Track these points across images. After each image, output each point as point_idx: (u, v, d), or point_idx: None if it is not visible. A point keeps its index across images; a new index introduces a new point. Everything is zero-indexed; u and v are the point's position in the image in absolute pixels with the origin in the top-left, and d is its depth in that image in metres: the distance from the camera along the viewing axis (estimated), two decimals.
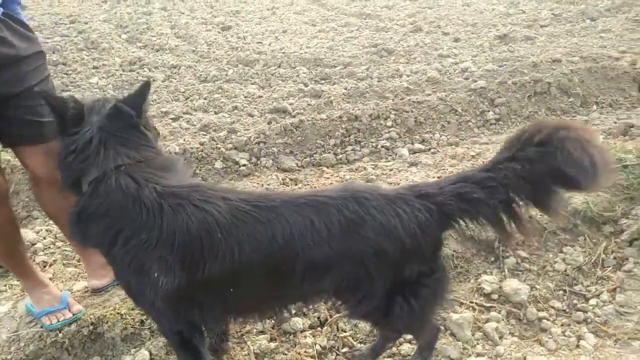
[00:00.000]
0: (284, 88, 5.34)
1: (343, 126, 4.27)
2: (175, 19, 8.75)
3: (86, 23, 8.09)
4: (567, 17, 7.46)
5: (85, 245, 1.63)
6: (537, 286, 2.47)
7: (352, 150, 4.13)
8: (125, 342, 2.17)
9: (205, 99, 5.06)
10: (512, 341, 2.21)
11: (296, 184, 3.63)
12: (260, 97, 5.13)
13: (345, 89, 5.11)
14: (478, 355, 2.13)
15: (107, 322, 2.18)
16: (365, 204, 1.54)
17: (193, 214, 1.45)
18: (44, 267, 2.66)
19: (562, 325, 2.28)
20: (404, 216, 1.54)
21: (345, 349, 2.19)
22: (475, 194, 1.55)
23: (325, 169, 3.89)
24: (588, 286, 2.48)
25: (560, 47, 5.90)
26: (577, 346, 2.15)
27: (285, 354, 2.15)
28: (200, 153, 3.88)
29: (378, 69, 5.79)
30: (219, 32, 7.96)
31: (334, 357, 2.16)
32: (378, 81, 5.35)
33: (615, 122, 4.16)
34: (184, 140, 4.10)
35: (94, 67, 5.93)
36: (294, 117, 4.51)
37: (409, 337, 2.17)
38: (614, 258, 2.61)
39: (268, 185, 3.52)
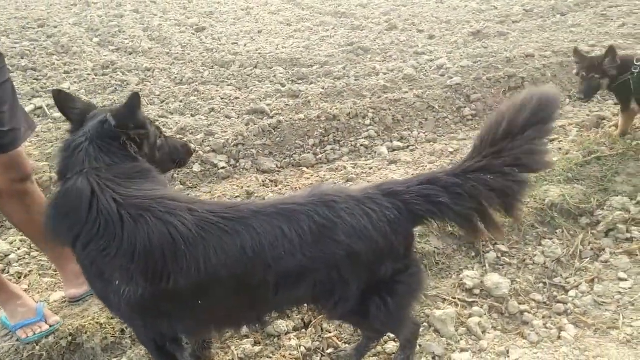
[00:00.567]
0: (261, 89, 5.29)
1: (322, 126, 4.26)
2: (148, 21, 8.60)
3: (55, 27, 7.89)
4: (539, 13, 7.60)
5: (54, 242, 1.59)
6: (518, 280, 2.51)
7: (331, 149, 4.13)
8: (106, 351, 2.12)
9: (181, 101, 4.98)
10: (495, 335, 2.23)
11: (276, 185, 3.60)
12: (237, 98, 5.08)
13: (323, 88, 5.10)
14: (462, 350, 2.15)
15: (86, 333, 2.13)
16: (335, 207, 1.53)
17: (155, 225, 1.42)
18: (19, 278, 2.57)
19: (543, 317, 2.32)
20: (373, 216, 1.54)
21: (330, 350, 2.18)
22: (441, 197, 1.58)
23: (305, 169, 3.87)
24: (567, 278, 2.53)
25: (533, 42, 6.01)
26: (559, 337, 2.19)
27: (270, 357, 2.13)
28: None
29: (355, 67, 5.79)
30: (193, 34, 7.86)
31: (319, 358, 2.15)
32: (355, 80, 5.35)
33: (587, 115, 4.25)
34: None
35: (65, 72, 5.78)
36: (272, 117, 4.47)
37: (393, 335, 2.17)
38: (591, 249, 2.67)
39: (248, 187, 3.48)
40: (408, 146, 4.17)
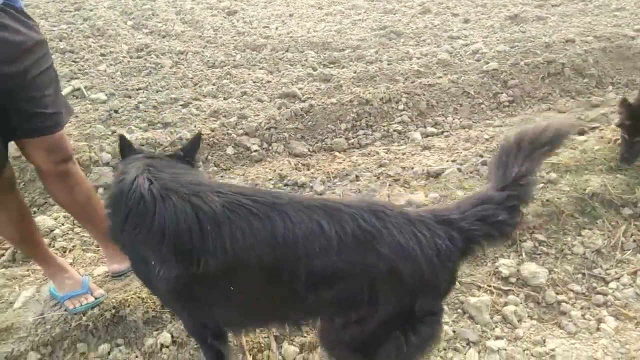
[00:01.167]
0: (292, 72, 5.29)
1: (354, 110, 4.24)
2: (180, 5, 8.64)
3: (91, 10, 8.02)
4: None
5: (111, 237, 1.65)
6: (556, 269, 2.46)
7: (363, 134, 4.10)
8: (147, 325, 2.19)
9: (214, 84, 5.02)
10: (531, 324, 2.21)
11: (309, 169, 3.62)
12: (269, 82, 5.09)
13: (355, 72, 5.06)
14: (497, 337, 2.13)
15: (128, 306, 2.20)
16: (384, 218, 1.40)
17: (181, 205, 1.41)
18: (64, 252, 2.68)
19: (581, 308, 2.28)
20: (423, 240, 1.38)
21: None
22: (500, 216, 1.45)
23: (337, 153, 3.87)
24: (607, 269, 2.47)
25: (573, 27, 5.80)
26: (598, 329, 2.14)
27: None
28: (211, 139, 3.87)
29: (387, 51, 5.72)
30: (225, 17, 7.87)
31: None
32: (388, 64, 5.29)
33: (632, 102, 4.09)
34: (195, 126, 4.09)
35: (102, 55, 5.88)
36: (304, 101, 4.47)
37: None
38: (634, 241, 2.59)
39: (281, 170, 3.51)
40: (442, 132, 4.11)
